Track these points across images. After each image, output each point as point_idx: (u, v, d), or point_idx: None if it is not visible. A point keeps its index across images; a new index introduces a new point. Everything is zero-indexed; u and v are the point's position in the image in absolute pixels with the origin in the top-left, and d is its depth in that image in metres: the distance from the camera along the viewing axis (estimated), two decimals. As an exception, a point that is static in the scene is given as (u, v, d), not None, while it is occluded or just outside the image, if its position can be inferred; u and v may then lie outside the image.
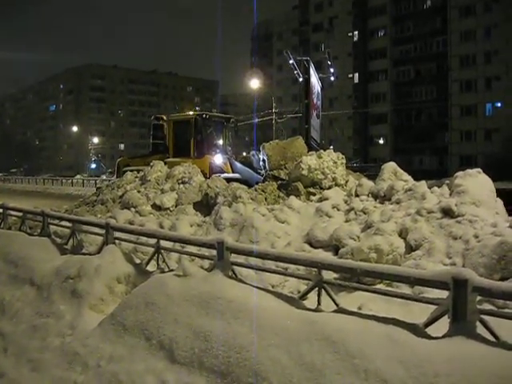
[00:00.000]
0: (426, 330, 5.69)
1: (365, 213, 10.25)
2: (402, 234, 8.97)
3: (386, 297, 7.00)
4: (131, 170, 17.95)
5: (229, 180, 14.99)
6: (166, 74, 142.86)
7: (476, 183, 9.53)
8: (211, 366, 5.56)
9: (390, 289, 7.41)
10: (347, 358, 5.02)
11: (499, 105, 64.25)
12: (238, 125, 22.35)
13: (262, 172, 17.50)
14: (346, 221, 10.38)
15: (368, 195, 11.04)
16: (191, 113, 20.56)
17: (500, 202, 9.68)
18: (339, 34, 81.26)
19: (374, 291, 7.01)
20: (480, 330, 5.48)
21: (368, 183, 11.49)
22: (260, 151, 18.00)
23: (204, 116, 19.06)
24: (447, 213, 8.97)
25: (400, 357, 4.92)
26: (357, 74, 79.96)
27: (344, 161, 14.35)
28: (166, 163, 17.42)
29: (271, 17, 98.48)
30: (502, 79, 62.96)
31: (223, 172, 17.28)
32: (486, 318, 5.55)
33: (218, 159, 18.17)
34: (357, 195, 11.22)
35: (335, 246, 9.47)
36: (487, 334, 5.45)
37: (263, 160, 17.17)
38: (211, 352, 5.68)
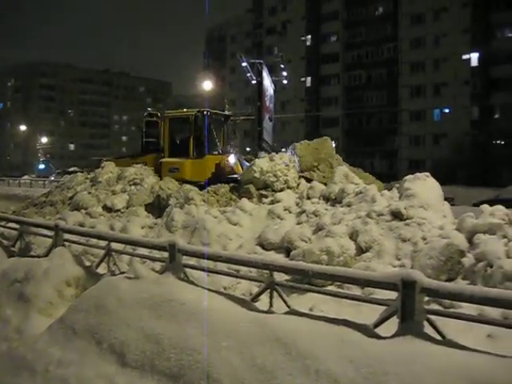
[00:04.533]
0: (376, 330, 5.78)
1: (316, 215, 10.36)
2: (353, 236, 9.11)
3: (337, 298, 7.11)
4: None
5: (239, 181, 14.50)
6: (118, 73, 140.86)
7: (424, 187, 9.75)
8: (163, 369, 5.51)
9: (340, 290, 7.53)
10: (298, 359, 5.06)
11: (447, 110, 65.79)
12: (236, 123, 21.44)
13: None
14: (298, 223, 10.47)
15: (319, 198, 11.18)
16: (184, 109, 19.15)
17: (447, 205, 9.94)
18: (292, 37, 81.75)
19: (325, 293, 7.11)
20: (428, 329, 5.63)
21: (319, 186, 11.63)
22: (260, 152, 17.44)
23: (205, 113, 17.58)
24: (396, 216, 9.16)
25: (350, 357, 4.98)
26: (309, 78, 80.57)
27: (296, 164, 14.47)
28: (161, 164, 16.80)
29: (225, 19, 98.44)
30: (449, 86, 64.50)
31: (234, 173, 16.02)
32: (433, 317, 5.70)
33: (231, 159, 16.73)
34: (308, 198, 11.34)
35: (287, 248, 9.54)
36: (435, 333, 5.61)
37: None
38: (163, 355, 5.63)
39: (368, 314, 6.15)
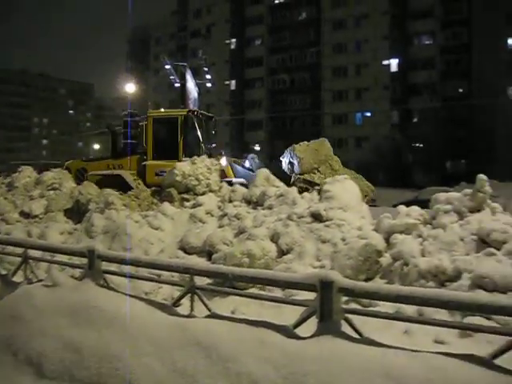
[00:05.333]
0: (296, 330, 5.85)
1: (238, 218, 10.39)
2: (274, 238, 9.20)
3: (258, 300, 7.15)
4: (94, 175, 15.88)
5: (232, 185, 13.93)
6: (37, 74, 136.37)
7: (343, 189, 9.98)
8: (82, 378, 5.38)
9: (262, 292, 7.58)
10: (219, 362, 5.05)
11: (368, 114, 67.68)
12: (216, 124, 20.11)
13: None
14: (220, 226, 10.48)
15: (241, 201, 11.22)
16: (162, 109, 18.79)
17: (366, 206, 10.21)
18: (217, 40, 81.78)
19: (247, 295, 7.15)
20: (346, 328, 5.75)
21: (241, 189, 11.68)
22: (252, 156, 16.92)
23: (195, 113, 16.99)
24: (317, 217, 9.32)
25: (270, 358, 5.02)
26: (234, 81, 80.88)
27: (218, 167, 14.35)
28: (145, 166, 16.02)
29: (149, 20, 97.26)
30: (370, 90, 66.35)
31: (226, 176, 15.21)
32: (351, 316, 5.82)
33: (223, 162, 15.80)
34: (230, 201, 11.37)
35: (209, 252, 9.53)
36: (353, 331, 5.73)
37: (290, 163, 15.52)
38: (82, 364, 5.49)
39: (289, 316, 6.21)
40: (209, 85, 39.48)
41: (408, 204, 10.52)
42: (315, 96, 71.53)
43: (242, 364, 4.97)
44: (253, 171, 16.00)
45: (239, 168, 16.11)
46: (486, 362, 5.05)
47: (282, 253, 8.99)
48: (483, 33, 60.48)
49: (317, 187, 13.20)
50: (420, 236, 8.23)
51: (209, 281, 7.77)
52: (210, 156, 16.24)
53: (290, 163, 15.41)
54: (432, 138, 57.31)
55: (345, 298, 6.57)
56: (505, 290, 6.96)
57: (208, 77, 39.24)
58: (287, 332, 5.70)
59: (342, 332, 5.63)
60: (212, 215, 11.01)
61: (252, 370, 4.89)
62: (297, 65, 73.53)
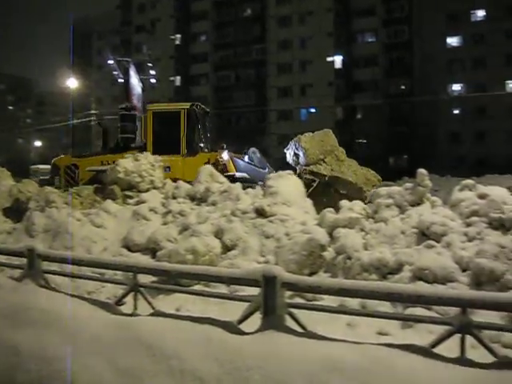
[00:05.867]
0: (240, 326, 5.86)
1: (182, 215, 10.30)
2: (218, 234, 9.17)
3: (203, 297, 7.13)
4: (91, 171, 15.17)
5: (236, 180, 13.50)
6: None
7: (287, 184, 10.03)
8: (23, 381, 5.23)
9: (207, 289, 7.55)
10: (163, 360, 5.00)
11: (313, 110, 68.38)
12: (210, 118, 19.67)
13: (266, 170, 15.70)
14: (164, 223, 10.36)
15: (185, 197, 11.12)
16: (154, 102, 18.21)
17: (309, 201, 10.28)
18: (161, 36, 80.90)
19: (191, 292, 7.12)
20: (290, 322, 5.79)
21: (185, 185, 11.58)
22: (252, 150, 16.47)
23: (198, 107, 16.63)
24: (260, 213, 9.34)
25: (215, 354, 5.00)
26: (179, 77, 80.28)
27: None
28: None
29: (93, 15, 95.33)
30: (315, 87, 67.02)
31: (227, 171, 14.92)
32: (295, 311, 5.87)
33: (225, 156, 15.51)
34: (174, 197, 11.25)
35: (153, 249, 9.43)
36: (297, 325, 5.78)
37: (295, 154, 14.97)
38: (23, 366, 5.33)
39: (235, 312, 6.20)
40: (153, 81, 39.17)
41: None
42: (260, 92, 71.77)
43: (186, 361, 4.93)
44: (256, 166, 15.93)
45: (241, 162, 15.74)
46: (426, 351, 5.18)
47: (226, 249, 8.97)
48: (424, 31, 62.06)
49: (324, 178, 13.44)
50: (362, 230, 8.36)
51: (153, 279, 7.67)
52: (210, 150, 16.19)
53: (295, 155, 14.95)
54: (375, 133, 58.46)
55: (289, 293, 6.65)
56: (444, 281, 7.14)
57: (152, 72, 38.91)
58: (231, 328, 5.71)
59: (286, 326, 5.67)
60: (156, 212, 10.87)
61: (196, 366, 4.86)
62: (242, 61, 73.54)
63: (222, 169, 14.74)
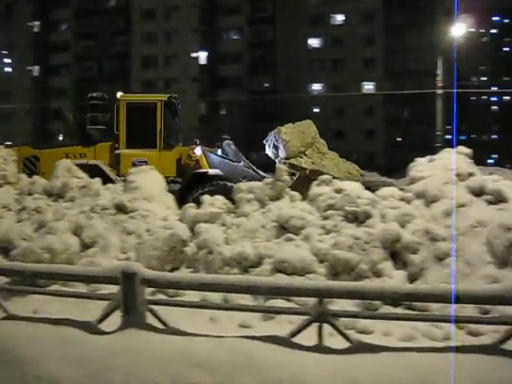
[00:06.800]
0: (101, 325, 5.71)
1: (38, 212, 9.79)
2: (77, 231, 8.85)
3: (62, 297, 6.86)
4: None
5: (208, 178, 12.82)
6: None
7: (148, 179, 9.87)
8: None
9: (65, 289, 7.28)
10: (17, 367, 4.76)
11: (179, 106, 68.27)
12: None
13: (242, 164, 14.83)
14: (19, 221, 9.78)
15: (42, 193, 10.57)
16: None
17: (171, 197, 10.20)
18: (19, 22, 76.13)
19: (48, 293, 6.82)
20: (152, 319, 5.73)
21: (41, 180, 11.02)
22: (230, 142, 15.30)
23: (174, 99, 15.59)
24: (121, 209, 9.13)
25: (73, 356, 4.86)
26: (37, 67, 76.12)
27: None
28: (118, 156, 14.17)
29: None
30: (180, 81, 66.70)
31: (199, 167, 14.01)
32: (156, 307, 5.81)
33: (197, 151, 14.45)
34: (30, 193, 10.65)
35: (6, 249, 8.91)
36: (159, 322, 5.73)
37: (275, 147, 14.19)
38: None
39: (96, 311, 6.04)
40: (8, 69, 36.98)
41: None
42: (124, 85, 70.23)
43: (43, 366, 4.74)
44: (231, 161, 14.98)
45: (214, 157, 14.72)
46: (286, 341, 5.35)
47: (85, 246, 8.67)
48: (287, 32, 64.03)
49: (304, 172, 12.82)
50: (224, 224, 8.43)
51: (5, 280, 7.23)
52: (184, 145, 15.29)
53: (275, 147, 14.31)
54: (239, 129, 59.41)
55: (151, 290, 6.58)
56: (303, 273, 7.40)
57: (7, 61, 36.74)
58: (91, 328, 5.57)
59: (147, 324, 5.62)
60: (9, 209, 10.25)
61: (53, 371, 4.69)
62: (105, 53, 71.47)
63: (194, 165, 14.12)
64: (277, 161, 14.04)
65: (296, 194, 8.95)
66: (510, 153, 57.46)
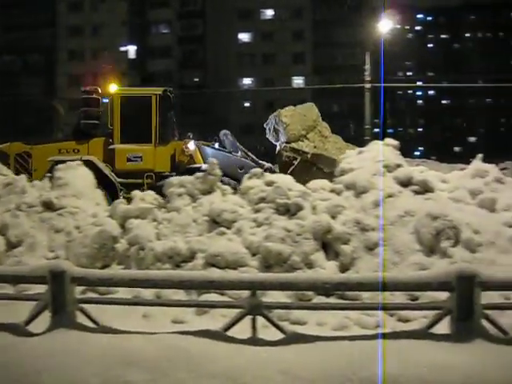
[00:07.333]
0: (29, 327, 5.57)
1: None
2: (2, 230, 8.53)
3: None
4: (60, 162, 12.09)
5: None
6: None
7: (76, 176, 9.63)
8: None
9: (-10, 291, 7.01)
10: None
11: (106, 101, 66.65)
12: None
13: (239, 154, 14.24)
14: None
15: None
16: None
17: (100, 193, 10.00)
18: None
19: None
20: (82, 318, 5.62)
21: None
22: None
23: (169, 93, 15.03)
24: (48, 206, 8.85)
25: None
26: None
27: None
28: (113, 151, 13.55)
29: None
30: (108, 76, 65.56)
31: (194, 162, 13.57)
32: (87, 306, 5.70)
33: (191, 146, 14.02)
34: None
35: None
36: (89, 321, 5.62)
37: (275, 130, 13.72)
38: None
39: (23, 313, 5.87)
40: None
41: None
42: (50, 80, 68.28)
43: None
44: (229, 152, 14.45)
45: (209, 150, 14.24)
46: (220, 335, 5.36)
47: (11, 246, 8.37)
48: (217, 26, 63.93)
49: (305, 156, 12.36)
50: (155, 220, 8.32)
51: None
52: (178, 139, 14.68)
53: (275, 130, 13.84)
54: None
55: (82, 288, 6.43)
56: (235, 266, 7.40)
57: None
58: (18, 330, 5.44)
59: (78, 323, 5.53)
60: None
61: (-22, 377, 4.52)
62: (29, 45, 69.13)
63: (188, 160, 13.73)
64: (277, 145, 13.91)
65: (227, 187, 8.94)
66: (435, 145, 59.80)
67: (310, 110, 14.08)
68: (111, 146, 13.94)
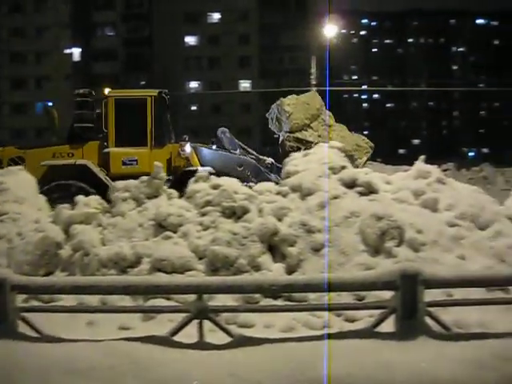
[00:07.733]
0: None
1: None
2: None
3: None
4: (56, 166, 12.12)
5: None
6: None
7: (18, 181, 9.43)
8: None
9: None
10: None
11: (50, 104, 65.49)
12: None
13: (238, 151, 13.76)
14: None
15: None
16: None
17: (42, 198, 9.79)
18: None
19: None
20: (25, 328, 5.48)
21: None
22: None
23: (164, 95, 14.51)
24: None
25: None
26: None
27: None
28: (108, 154, 13.04)
29: None
30: (52, 79, 64.25)
31: (190, 165, 13.10)
32: (29, 315, 5.56)
33: (187, 148, 13.49)
34: None
35: None
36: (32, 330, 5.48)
37: (277, 120, 13.38)
38: None
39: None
40: None
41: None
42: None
43: None
44: (228, 150, 14.10)
45: (206, 151, 13.96)
46: (167, 340, 5.32)
47: (-51, 254, 8.14)
48: (164, 29, 63.60)
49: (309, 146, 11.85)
50: (100, 225, 8.21)
51: None
52: (174, 142, 14.21)
53: (278, 120, 13.56)
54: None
55: (24, 297, 6.27)
56: (182, 270, 7.36)
57: None
58: None
59: (20, 333, 5.39)
60: None
61: None
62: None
63: (184, 163, 13.32)
64: (280, 135, 13.70)
65: (173, 191, 8.89)
66: (379, 147, 60.85)
67: (313, 98, 13.96)
68: (106, 150, 13.62)
